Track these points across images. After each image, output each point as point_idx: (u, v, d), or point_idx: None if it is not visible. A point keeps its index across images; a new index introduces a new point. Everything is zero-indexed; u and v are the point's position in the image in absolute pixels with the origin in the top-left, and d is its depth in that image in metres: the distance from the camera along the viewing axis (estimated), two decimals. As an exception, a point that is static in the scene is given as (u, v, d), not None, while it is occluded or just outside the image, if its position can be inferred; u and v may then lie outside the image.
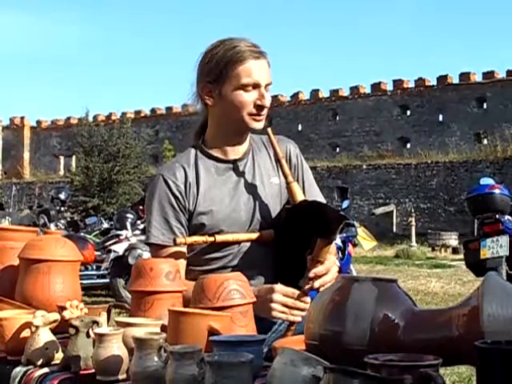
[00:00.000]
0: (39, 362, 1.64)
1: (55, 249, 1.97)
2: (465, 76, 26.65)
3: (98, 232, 11.10)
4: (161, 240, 2.06)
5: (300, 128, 29.60)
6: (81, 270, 7.55)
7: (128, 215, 9.77)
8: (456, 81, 26.84)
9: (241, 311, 1.68)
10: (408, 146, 27.54)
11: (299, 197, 2.09)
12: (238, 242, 2.07)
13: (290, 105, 29.88)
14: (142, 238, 8.32)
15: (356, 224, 9.08)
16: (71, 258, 2.01)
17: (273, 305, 1.89)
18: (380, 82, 28.36)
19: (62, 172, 33.33)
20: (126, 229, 9.40)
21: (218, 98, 2.06)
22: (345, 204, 9.50)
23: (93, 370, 1.56)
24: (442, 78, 27.07)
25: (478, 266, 6.42)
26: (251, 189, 2.13)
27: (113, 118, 31.90)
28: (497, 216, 6.38)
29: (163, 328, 1.62)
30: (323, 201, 2.16)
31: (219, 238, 2.04)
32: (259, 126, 2.09)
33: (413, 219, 19.76)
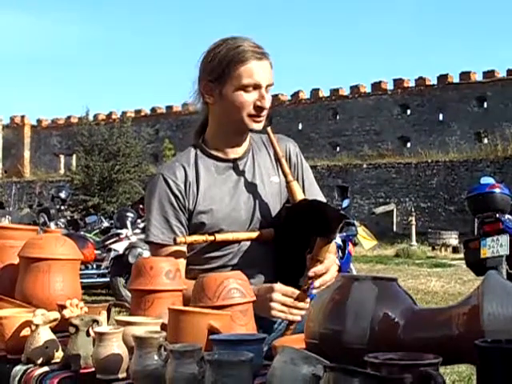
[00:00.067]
0: (39, 361, 1.64)
1: (55, 247, 1.97)
2: (465, 75, 26.63)
3: (98, 231, 11.10)
4: (160, 239, 2.06)
5: (300, 127, 29.60)
6: (81, 269, 7.54)
7: (128, 214, 9.77)
8: (456, 80, 26.83)
9: (241, 310, 1.68)
10: (408, 145, 27.55)
11: (299, 196, 2.09)
12: (238, 241, 2.07)
13: (291, 104, 29.87)
14: (142, 236, 8.30)
15: (356, 223, 9.08)
16: (71, 257, 2.01)
17: (272, 304, 1.89)
18: (380, 82, 28.36)
19: (62, 171, 33.33)
20: (126, 228, 9.40)
21: (218, 97, 2.06)
22: (345, 203, 9.50)
23: (93, 369, 1.56)
24: (443, 78, 27.06)
25: (478, 265, 6.43)
26: (251, 188, 2.13)
27: (113, 117, 31.88)
28: (497, 215, 6.39)
29: (163, 327, 1.62)
30: (323, 200, 2.16)
31: (219, 237, 2.04)
32: (258, 126, 2.09)
33: (413, 218, 19.76)
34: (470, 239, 6.73)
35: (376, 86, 28.38)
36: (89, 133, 24.05)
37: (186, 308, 1.65)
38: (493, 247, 6.27)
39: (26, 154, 36.32)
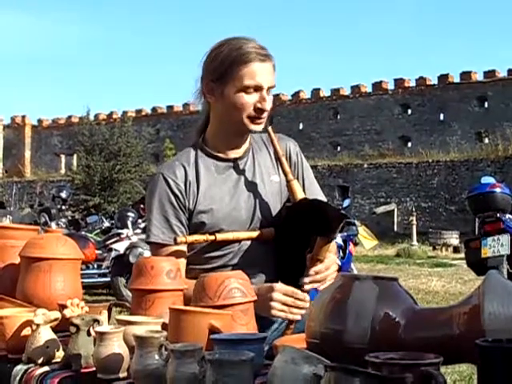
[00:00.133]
0: (40, 361, 1.64)
1: (56, 247, 1.97)
2: (466, 75, 26.62)
3: (98, 231, 11.09)
4: (161, 239, 2.06)
5: (301, 127, 29.59)
6: (82, 269, 7.54)
7: (129, 214, 9.78)
8: (457, 80, 26.82)
9: (242, 309, 1.68)
10: (409, 144, 27.53)
11: (299, 195, 2.09)
12: (239, 241, 2.07)
13: (291, 104, 29.86)
14: (143, 236, 8.30)
15: (357, 223, 9.07)
16: (72, 257, 2.01)
17: (272, 303, 1.89)
18: (381, 81, 28.34)
19: (63, 171, 33.34)
20: (127, 227, 9.41)
21: (219, 97, 2.06)
22: (346, 203, 9.49)
23: (94, 369, 1.56)
24: (443, 77, 27.05)
25: (478, 265, 6.43)
26: (251, 187, 2.13)
27: (114, 116, 31.87)
28: (498, 215, 6.39)
29: (164, 326, 1.62)
30: (324, 199, 2.16)
31: (220, 236, 2.04)
32: (258, 128, 2.09)
33: (414, 218, 19.76)
34: (471, 239, 6.73)
35: (377, 85, 28.37)
36: (89, 132, 24.04)
37: (187, 308, 1.65)
38: (493, 247, 6.27)
39: (27, 153, 36.33)
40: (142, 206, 9.54)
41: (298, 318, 1.92)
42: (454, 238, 18.61)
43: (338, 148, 28.88)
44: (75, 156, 28.91)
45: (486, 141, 25.06)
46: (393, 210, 23.46)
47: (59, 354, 1.67)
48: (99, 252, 9.18)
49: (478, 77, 26.55)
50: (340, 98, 29.06)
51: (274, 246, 2.09)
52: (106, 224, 11.03)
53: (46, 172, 33.26)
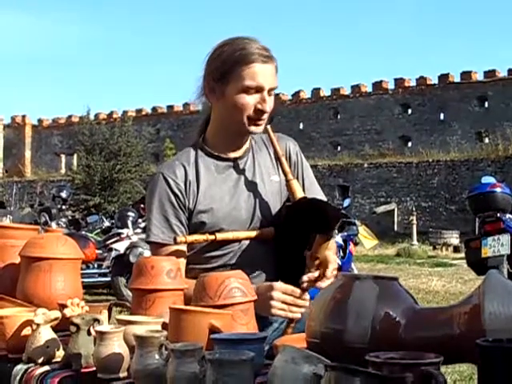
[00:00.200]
0: (40, 360, 1.64)
1: (56, 247, 1.97)
2: (466, 75, 26.61)
3: (99, 230, 11.10)
4: (161, 238, 2.06)
5: (301, 127, 29.59)
6: (82, 269, 7.54)
7: (129, 213, 9.78)
8: (457, 79, 26.81)
9: (242, 309, 1.68)
10: (409, 144, 27.53)
11: (299, 194, 2.09)
12: (239, 240, 2.07)
13: (292, 103, 29.86)
14: (143, 236, 8.28)
15: (357, 222, 9.08)
16: (72, 256, 2.01)
17: (272, 302, 1.89)
18: (381, 81, 28.34)
19: (63, 170, 33.34)
20: (127, 227, 9.41)
21: (220, 96, 2.05)
22: (346, 202, 9.50)
23: (94, 368, 1.56)
24: (444, 77, 27.04)
25: (479, 265, 6.43)
26: (251, 187, 2.13)
27: (114, 116, 31.87)
28: (498, 215, 6.39)
29: (164, 326, 1.62)
30: (324, 198, 2.16)
31: (220, 236, 2.04)
32: (258, 130, 2.08)
33: (414, 218, 19.75)
34: (471, 239, 6.73)
35: (377, 85, 28.37)
36: (90, 132, 24.03)
37: (187, 307, 1.65)
38: (494, 246, 6.27)
39: (27, 153, 36.33)
40: (142, 205, 9.55)
41: (298, 316, 1.92)
42: (454, 238, 18.60)
43: (339, 148, 28.88)
44: (75, 156, 28.90)
45: (487, 140, 25.05)
46: (393, 210, 23.46)
47: (59, 354, 1.67)
48: (99, 252, 9.18)
49: (479, 77, 26.54)
50: (340, 98, 29.06)
51: (274, 246, 2.10)
52: (107, 224, 11.04)
53: (46, 172, 33.26)
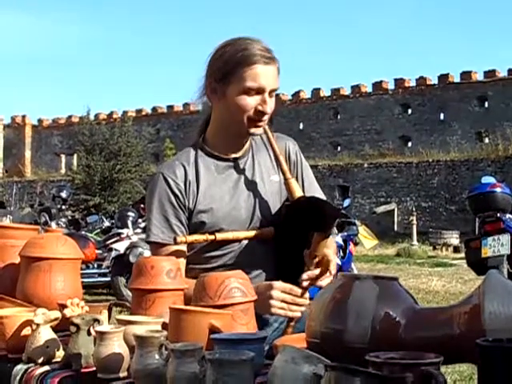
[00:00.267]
0: (40, 360, 1.64)
1: (56, 247, 1.97)
2: (466, 75, 26.61)
3: (99, 230, 11.10)
4: (160, 238, 2.06)
5: (301, 127, 29.60)
6: (82, 269, 7.54)
7: (129, 213, 9.78)
8: (457, 79, 26.81)
9: (242, 309, 1.68)
10: (409, 144, 27.54)
11: (297, 193, 2.09)
12: (239, 240, 2.07)
13: (292, 103, 29.86)
14: (143, 236, 8.29)
15: (357, 222, 9.07)
16: (72, 256, 2.01)
17: (272, 301, 1.89)
18: (381, 81, 28.34)
19: (63, 170, 33.34)
20: (127, 227, 9.41)
21: (221, 97, 2.05)
22: (346, 202, 9.50)
23: (94, 368, 1.56)
24: (444, 77, 27.04)
25: (479, 265, 6.43)
26: (251, 186, 2.13)
27: (114, 116, 31.87)
28: (498, 215, 6.39)
29: (164, 326, 1.62)
30: (324, 198, 2.16)
31: (219, 236, 2.04)
32: (258, 131, 2.08)
33: (414, 218, 19.76)
34: (471, 239, 6.73)
35: (377, 85, 28.37)
36: (90, 132, 24.03)
37: (187, 307, 1.65)
38: (494, 247, 6.27)
39: (27, 153, 36.33)
40: (142, 205, 9.55)
41: (298, 315, 1.92)
42: (454, 238, 18.60)
43: (339, 148, 28.88)
44: (75, 156, 28.90)
45: (487, 140, 25.05)
46: (393, 210, 23.46)
47: (59, 354, 1.67)
48: (99, 252, 9.19)
49: (478, 77, 26.54)
50: (340, 98, 29.06)
51: (274, 246, 2.10)
52: (106, 224, 11.04)
53: (46, 172, 33.26)
